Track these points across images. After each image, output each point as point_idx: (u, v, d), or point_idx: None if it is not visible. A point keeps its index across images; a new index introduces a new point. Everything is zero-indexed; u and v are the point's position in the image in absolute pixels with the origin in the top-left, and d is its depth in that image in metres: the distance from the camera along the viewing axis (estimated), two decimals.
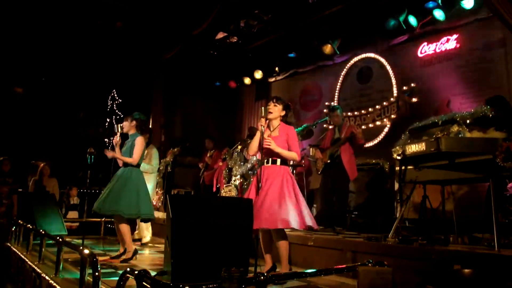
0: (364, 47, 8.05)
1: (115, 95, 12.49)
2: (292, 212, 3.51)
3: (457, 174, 3.89)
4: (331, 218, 5.30)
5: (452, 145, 3.50)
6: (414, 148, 3.79)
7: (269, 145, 3.61)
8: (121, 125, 4.74)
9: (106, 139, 11.60)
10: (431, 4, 6.51)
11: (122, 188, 4.47)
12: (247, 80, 9.82)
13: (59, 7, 8.43)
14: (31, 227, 4.74)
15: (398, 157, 4.03)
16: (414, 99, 7.06)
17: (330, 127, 7.20)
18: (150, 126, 9.84)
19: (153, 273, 2.50)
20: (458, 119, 4.32)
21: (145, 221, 5.33)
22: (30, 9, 8.48)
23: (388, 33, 7.38)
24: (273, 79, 10.09)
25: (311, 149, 6.52)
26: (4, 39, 9.53)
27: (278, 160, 3.73)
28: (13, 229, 5.41)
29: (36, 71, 11.13)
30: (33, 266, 3.72)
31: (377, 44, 7.79)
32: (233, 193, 6.64)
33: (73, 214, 8.02)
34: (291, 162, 4.10)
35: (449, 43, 6.87)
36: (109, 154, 4.61)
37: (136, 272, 2.15)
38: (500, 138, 3.52)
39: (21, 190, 7.40)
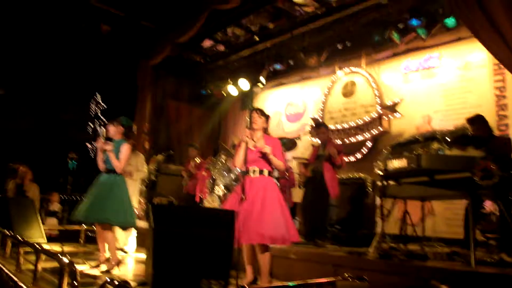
0: (349, 61, 8.17)
1: (99, 99, 12.37)
2: (284, 228, 3.56)
3: (437, 190, 3.97)
4: (313, 231, 5.33)
5: (432, 162, 3.59)
6: (396, 164, 3.86)
7: (264, 150, 3.68)
8: (106, 128, 4.65)
9: (88, 144, 11.46)
10: (414, 22, 6.66)
11: (108, 195, 4.39)
12: (232, 90, 9.85)
13: (43, 9, 8.34)
14: (8, 233, 4.64)
15: (380, 172, 4.10)
16: (397, 115, 7.18)
17: (315, 140, 7.26)
18: (134, 133, 9.77)
19: (133, 284, 2.48)
20: (438, 137, 4.41)
21: (125, 228, 5.26)
22: (13, 11, 8.37)
23: (372, 48, 7.51)
24: (258, 90, 10.13)
25: (294, 161, 6.57)
26: None
27: (265, 171, 3.76)
28: None
29: (18, 71, 10.96)
30: (10, 274, 3.64)
31: (361, 58, 7.92)
32: (216, 203, 6.61)
33: (51, 221, 7.82)
34: (276, 174, 4.13)
35: (431, 60, 7.04)
36: (103, 145, 4.47)
37: (116, 282, 2.13)
38: (478, 156, 3.61)
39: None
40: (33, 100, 11.56)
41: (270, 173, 3.80)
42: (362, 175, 6.19)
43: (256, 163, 3.75)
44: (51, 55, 10.34)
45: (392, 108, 7.25)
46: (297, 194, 6.59)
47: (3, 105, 11.39)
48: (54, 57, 10.41)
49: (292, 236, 3.61)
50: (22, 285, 3.29)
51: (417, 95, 7.14)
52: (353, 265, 3.82)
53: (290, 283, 2.84)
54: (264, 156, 3.72)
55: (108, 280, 2.21)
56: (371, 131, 7.39)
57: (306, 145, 7.81)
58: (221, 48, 10.06)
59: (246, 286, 3.28)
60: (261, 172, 3.75)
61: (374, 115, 7.44)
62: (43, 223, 6.04)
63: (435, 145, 4.34)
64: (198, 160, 7.64)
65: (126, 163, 4.58)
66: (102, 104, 12.42)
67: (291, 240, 3.61)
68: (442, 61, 6.93)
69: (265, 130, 3.93)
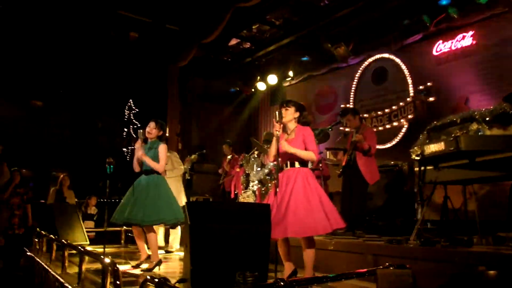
0: (378, 48, 8.00)
1: (132, 105, 12.66)
2: (318, 217, 3.42)
3: (478, 173, 3.81)
4: (351, 221, 5.24)
5: (472, 143, 3.44)
6: (433, 148, 3.73)
7: (283, 147, 3.57)
8: (144, 130, 4.69)
9: (124, 149, 11.75)
10: (444, 1, 6.43)
11: (158, 196, 4.42)
12: (261, 85, 9.84)
13: (74, 21, 8.60)
14: (53, 237, 4.82)
15: (417, 158, 3.97)
16: (431, 98, 6.97)
17: (347, 129, 7.14)
18: (167, 134, 9.94)
19: (173, 281, 2.51)
20: (477, 117, 4.24)
21: (173, 226, 5.32)
22: (47, 24, 8.67)
23: (402, 33, 7.30)
24: (287, 84, 10.09)
25: (327, 152, 6.48)
26: (23, 54, 9.76)
27: (296, 163, 3.69)
28: (36, 239, 5.51)
29: (54, 84, 11.37)
30: (57, 276, 3.78)
31: (391, 44, 7.73)
32: (251, 199, 6.63)
33: (89, 224, 8.09)
34: (310, 165, 4.04)
35: (465, 40, 6.77)
36: (139, 153, 4.52)
37: (156, 280, 2.16)
38: None
39: (43, 201, 7.52)
40: (70, 110, 11.97)
41: (302, 164, 3.71)
42: (398, 162, 6.04)
43: (289, 156, 3.70)
44: (84, 66, 10.67)
45: (426, 92, 7.04)
46: (332, 185, 6.52)
47: (43, 117, 11.86)
48: (87, 68, 10.74)
49: (334, 223, 3.47)
50: (68, 285, 3.40)
51: (451, 77, 6.90)
52: (393, 254, 3.73)
53: (330, 275, 2.80)
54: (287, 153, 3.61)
55: (149, 277, 2.25)
56: (405, 116, 7.20)
57: (338, 135, 7.70)
58: (247, 45, 10.07)
59: (285, 279, 3.26)
60: (292, 164, 3.69)
61: (408, 100, 7.24)
62: None
63: (474, 126, 4.18)
64: (229, 157, 7.68)
65: (165, 163, 4.64)
66: (135, 108, 12.70)
67: (333, 227, 3.48)
68: (476, 39, 6.65)
69: (299, 120, 3.81)
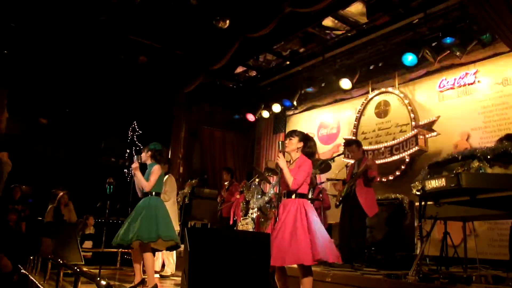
0: (382, 81, 8.11)
1: (136, 126, 12.77)
2: (302, 247, 3.42)
3: (479, 210, 3.81)
4: (350, 254, 5.19)
5: (473, 181, 3.45)
6: (434, 183, 3.73)
7: (277, 160, 3.67)
8: (140, 156, 4.82)
9: (125, 170, 11.78)
10: (448, 40, 6.55)
11: (139, 216, 4.47)
12: (265, 113, 9.94)
13: (84, 42, 8.79)
14: (49, 256, 4.77)
15: (418, 193, 3.97)
16: (433, 134, 7.01)
17: (349, 161, 7.17)
18: (170, 157, 9.98)
19: None
20: (478, 155, 4.25)
21: (170, 249, 5.28)
22: (56, 44, 8.85)
23: (405, 68, 7.42)
24: (291, 113, 10.18)
25: (328, 183, 6.48)
26: (30, 73, 9.93)
27: (293, 194, 3.71)
28: (31, 257, 5.46)
29: (61, 102, 11.51)
30: None
31: (395, 78, 7.84)
32: (250, 226, 6.59)
33: (87, 244, 8.04)
34: (310, 195, 4.03)
35: (468, 77, 6.87)
36: (133, 166, 4.64)
37: None
38: None
39: (40, 218, 7.49)
40: (74, 129, 12.08)
41: (301, 195, 3.73)
42: (398, 195, 6.03)
43: (286, 186, 3.72)
44: (91, 87, 10.83)
45: (428, 127, 7.09)
46: (333, 216, 6.48)
47: (46, 134, 11.96)
48: (94, 88, 10.90)
49: (322, 255, 3.45)
50: None
51: (453, 113, 6.96)
52: None
53: None
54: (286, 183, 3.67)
55: None
56: (407, 150, 7.22)
57: (340, 166, 7.72)
58: (253, 73, 10.23)
59: None
60: (289, 195, 3.71)
61: (410, 134, 7.29)
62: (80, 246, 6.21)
63: (475, 164, 4.18)
64: (226, 183, 7.69)
65: (155, 182, 4.66)
66: (139, 130, 12.80)
67: (316, 258, 3.45)
68: (479, 77, 6.75)
69: (304, 150, 3.84)
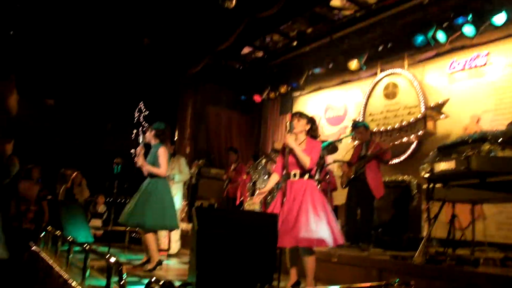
0: (391, 63, 7.98)
1: (142, 107, 12.77)
2: (327, 230, 3.50)
3: (488, 193, 3.79)
4: (356, 235, 5.22)
5: (484, 164, 3.41)
6: (443, 166, 3.71)
7: (287, 140, 3.66)
8: (144, 135, 4.85)
9: (132, 150, 11.83)
10: (460, 20, 6.42)
11: (147, 200, 4.50)
12: (271, 94, 9.88)
13: (90, 24, 8.73)
14: (59, 233, 4.84)
15: (426, 175, 3.95)
16: (442, 116, 6.94)
17: (356, 143, 7.13)
18: (176, 138, 9.99)
19: (177, 284, 2.52)
20: (489, 137, 4.21)
21: (171, 229, 5.36)
22: (61, 25, 8.80)
23: (415, 49, 7.30)
24: (298, 94, 10.11)
25: (335, 164, 6.46)
26: (36, 53, 9.89)
27: (306, 175, 3.71)
28: (42, 235, 5.53)
29: (67, 83, 11.51)
30: (61, 272, 3.79)
31: (404, 59, 7.72)
32: (257, 206, 6.62)
33: (97, 222, 8.15)
34: (316, 177, 4.04)
35: (480, 59, 6.76)
36: (139, 161, 4.64)
37: (161, 282, 2.17)
38: None
39: (50, 197, 7.56)
40: (81, 111, 12.10)
41: (310, 176, 3.75)
42: (406, 177, 6.01)
43: (296, 167, 3.72)
44: (98, 67, 10.81)
45: (437, 109, 7.02)
46: (339, 197, 6.49)
47: (54, 115, 11.99)
48: (100, 69, 10.88)
49: (335, 239, 3.54)
50: (72, 282, 3.41)
51: (464, 95, 6.87)
52: (398, 270, 3.71)
53: (333, 287, 2.79)
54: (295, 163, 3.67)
55: (153, 279, 2.26)
56: (416, 132, 7.17)
57: (347, 148, 7.69)
58: (260, 54, 10.13)
59: None
60: (301, 175, 3.71)
61: (418, 116, 7.22)
62: (89, 224, 6.28)
63: (486, 147, 4.14)
64: (234, 163, 7.71)
65: (166, 166, 4.67)
66: (145, 110, 12.81)
67: (334, 242, 3.53)
68: (491, 59, 6.63)
69: (309, 132, 3.86)
